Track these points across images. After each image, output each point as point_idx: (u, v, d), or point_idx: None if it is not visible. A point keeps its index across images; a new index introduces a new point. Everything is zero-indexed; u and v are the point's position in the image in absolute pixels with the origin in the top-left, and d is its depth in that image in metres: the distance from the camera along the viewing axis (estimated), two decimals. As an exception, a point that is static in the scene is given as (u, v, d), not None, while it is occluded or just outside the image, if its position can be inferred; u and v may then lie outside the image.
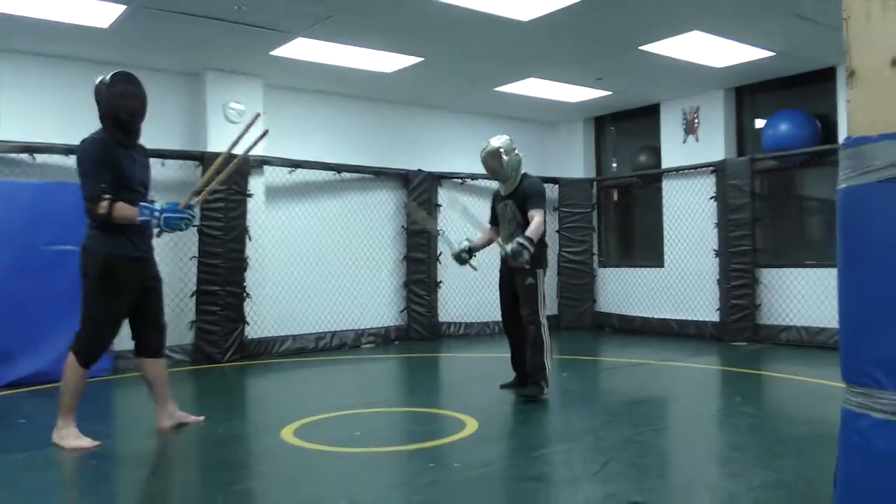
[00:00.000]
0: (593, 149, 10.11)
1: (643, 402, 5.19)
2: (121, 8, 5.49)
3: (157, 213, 3.85)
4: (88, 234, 3.91)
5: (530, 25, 6.00)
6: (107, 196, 3.77)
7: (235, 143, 4.24)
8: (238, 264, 7.18)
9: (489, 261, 9.31)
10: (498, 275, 5.38)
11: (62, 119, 6.54)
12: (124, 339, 6.79)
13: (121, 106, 3.88)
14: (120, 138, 3.93)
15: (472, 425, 4.25)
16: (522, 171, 5.20)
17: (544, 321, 5.06)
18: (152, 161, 6.92)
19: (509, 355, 5.39)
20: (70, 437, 3.90)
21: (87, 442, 3.89)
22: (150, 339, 4.19)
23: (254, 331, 7.44)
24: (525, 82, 7.98)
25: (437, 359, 7.45)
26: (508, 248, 4.86)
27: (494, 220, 5.40)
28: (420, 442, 3.97)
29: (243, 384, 6.33)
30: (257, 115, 4.55)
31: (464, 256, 5.28)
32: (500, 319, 5.44)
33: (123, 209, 3.81)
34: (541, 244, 5.06)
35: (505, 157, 5.09)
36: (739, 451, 3.73)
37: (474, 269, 5.38)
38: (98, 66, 6.76)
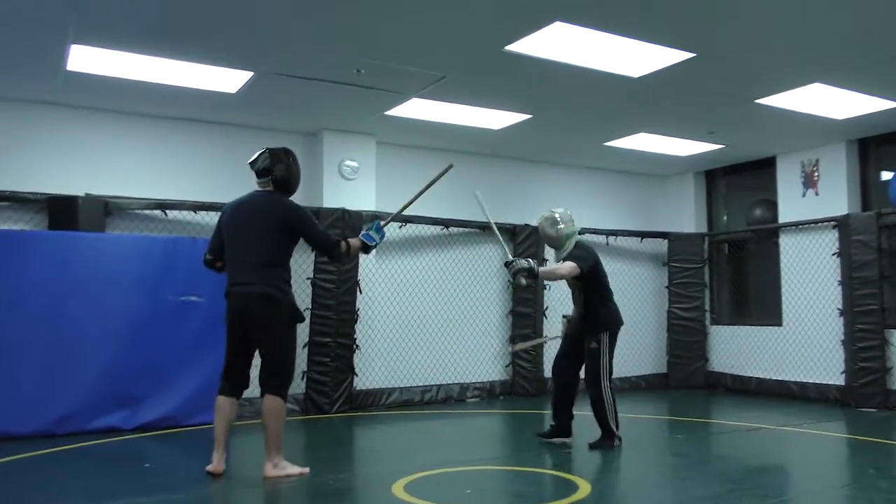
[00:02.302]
0: (704, 203, 9.85)
1: (765, 470, 4.91)
2: (248, 74, 5.89)
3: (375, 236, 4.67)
4: (277, 286, 4.33)
5: (640, 82, 5.98)
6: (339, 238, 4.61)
7: (429, 186, 5.00)
8: (349, 316, 7.38)
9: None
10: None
11: (191, 177, 7.02)
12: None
13: (298, 178, 4.63)
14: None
15: (584, 488, 4.14)
16: (576, 241, 5.36)
17: (605, 384, 5.23)
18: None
19: (552, 402, 5.58)
20: (289, 467, 4.42)
21: (299, 469, 4.45)
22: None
23: (362, 382, 7.59)
24: (635, 137, 7.93)
25: (543, 416, 7.32)
26: (511, 257, 5.17)
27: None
28: (532, 504, 3.90)
29: (352, 435, 6.43)
30: (450, 166, 5.11)
31: (522, 275, 5.01)
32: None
33: (356, 244, 4.63)
34: (607, 306, 5.32)
35: (561, 226, 5.30)
36: (879, 531, 3.46)
37: (523, 284, 5.14)
38: (225, 128, 7.30)
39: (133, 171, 6.82)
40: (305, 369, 7.24)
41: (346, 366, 7.33)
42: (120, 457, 4.91)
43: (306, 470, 4.47)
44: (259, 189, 4.55)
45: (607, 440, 5.30)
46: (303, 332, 7.30)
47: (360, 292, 7.52)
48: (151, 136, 6.99)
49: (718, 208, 9.82)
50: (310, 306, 7.24)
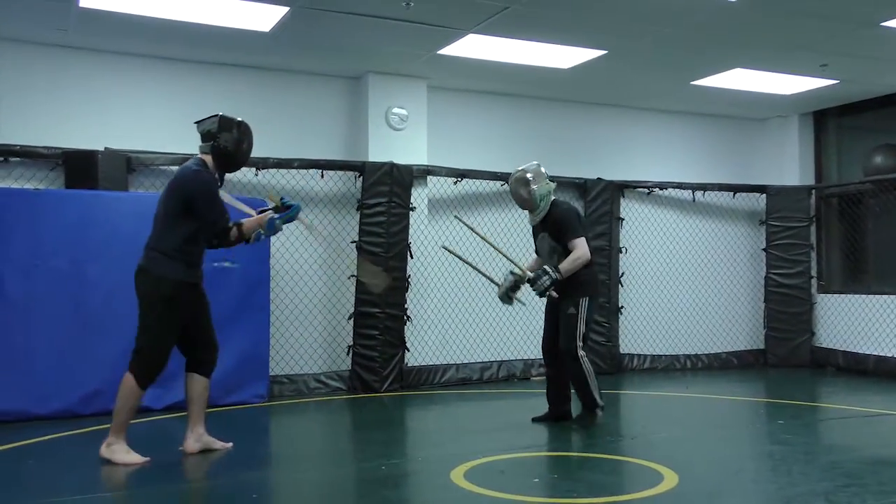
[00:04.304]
0: (812, 150, 9.51)
1: (888, 463, 4.71)
2: (283, 10, 5.84)
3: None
4: (152, 258, 4.48)
5: (740, 5, 5.73)
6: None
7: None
8: (399, 284, 7.37)
9: (676, 288, 9.03)
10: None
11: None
12: (279, 363, 7.19)
13: (243, 158, 4.65)
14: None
15: (670, 478, 4.06)
16: (552, 199, 5.49)
17: (582, 352, 5.36)
18: (311, 172, 7.37)
19: (546, 387, 5.73)
20: (120, 452, 4.40)
21: (137, 458, 4.38)
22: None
23: (414, 358, 7.60)
24: (728, 74, 7.67)
25: (619, 396, 7.24)
26: (530, 274, 5.35)
27: (538, 252, 5.74)
28: (611, 495, 3.84)
29: (404, 416, 6.47)
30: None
31: (510, 295, 5.53)
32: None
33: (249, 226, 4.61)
34: (587, 269, 5.41)
35: (533, 186, 5.40)
36: None
37: (523, 304, 5.70)
38: (258, 72, 7.30)
39: (157, 123, 6.89)
40: (351, 343, 7.29)
41: (396, 339, 7.35)
42: (152, 438, 5.02)
43: (145, 460, 4.39)
44: (197, 155, 4.62)
45: (592, 412, 5.46)
46: (347, 301, 7.34)
47: (411, 257, 7.49)
48: (176, 83, 7.03)
49: (829, 156, 9.46)
50: (355, 273, 7.26)
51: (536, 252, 5.77)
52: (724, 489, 4.05)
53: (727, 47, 6.89)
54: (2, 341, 5.76)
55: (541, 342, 5.72)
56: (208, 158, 4.55)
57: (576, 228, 5.38)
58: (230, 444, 4.80)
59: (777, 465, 4.51)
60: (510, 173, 8.08)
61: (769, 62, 7.35)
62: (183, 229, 4.42)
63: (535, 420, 5.69)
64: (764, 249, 9.28)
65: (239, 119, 4.60)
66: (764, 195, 9.32)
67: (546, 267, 5.30)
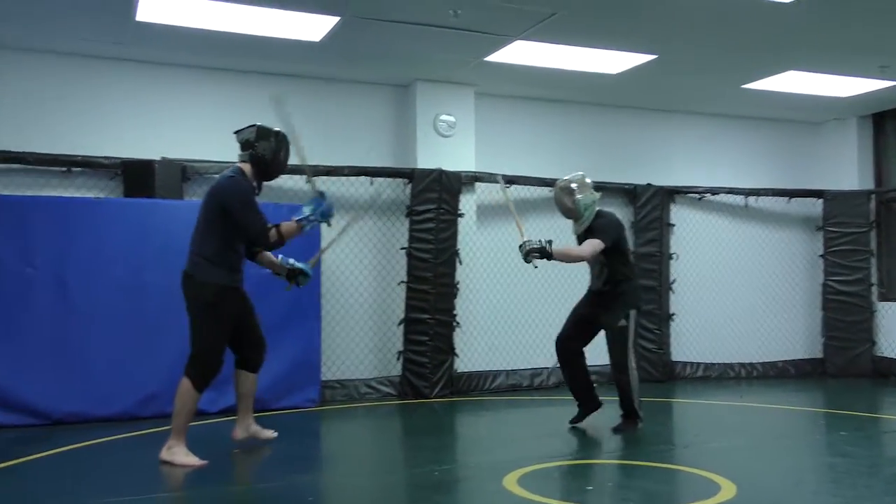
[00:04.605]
0: (871, 153, 9.29)
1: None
2: (334, 20, 5.92)
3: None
4: (197, 263, 4.63)
5: (795, 7, 5.64)
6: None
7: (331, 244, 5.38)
8: (448, 290, 7.40)
9: (729, 295, 8.88)
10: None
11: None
12: (331, 368, 7.22)
13: (280, 167, 4.78)
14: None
15: (728, 489, 3.99)
16: (596, 210, 5.48)
17: (632, 365, 5.43)
18: (361, 179, 7.45)
19: (569, 388, 5.81)
20: (180, 455, 4.52)
21: (195, 460, 4.50)
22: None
23: (463, 364, 7.61)
24: (782, 76, 7.54)
25: (671, 405, 7.16)
26: (526, 240, 5.27)
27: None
28: (666, 504, 3.81)
29: (455, 422, 6.48)
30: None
31: (534, 256, 5.28)
32: (559, 340, 5.77)
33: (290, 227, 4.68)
34: (632, 282, 5.53)
35: (578, 196, 5.40)
36: None
37: (535, 266, 5.47)
38: (309, 82, 7.41)
39: (210, 132, 7.00)
40: (402, 349, 7.34)
41: (445, 345, 7.37)
42: (208, 441, 5.11)
43: (203, 463, 4.49)
44: (236, 163, 4.75)
45: (632, 423, 5.56)
46: (398, 307, 7.38)
47: (460, 263, 7.51)
48: (229, 93, 7.17)
49: (889, 159, 9.22)
50: (405, 279, 7.30)
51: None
52: (784, 501, 3.97)
53: (781, 50, 6.77)
54: (65, 346, 5.93)
55: (560, 338, 5.74)
56: (247, 167, 4.69)
57: (605, 233, 5.37)
58: (275, 434, 5.05)
59: (840, 478, 4.41)
60: (558, 179, 8.14)
61: (825, 64, 7.20)
62: (222, 235, 4.56)
63: (572, 424, 5.72)
64: (821, 256, 9.09)
65: (276, 129, 4.73)
66: (821, 200, 9.12)
67: (542, 240, 5.28)
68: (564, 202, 5.47)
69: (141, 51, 6.64)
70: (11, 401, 5.80)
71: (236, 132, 4.78)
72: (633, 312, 5.49)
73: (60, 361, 5.91)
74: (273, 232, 4.57)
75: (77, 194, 6.49)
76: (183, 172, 6.72)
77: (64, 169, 6.47)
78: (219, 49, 6.60)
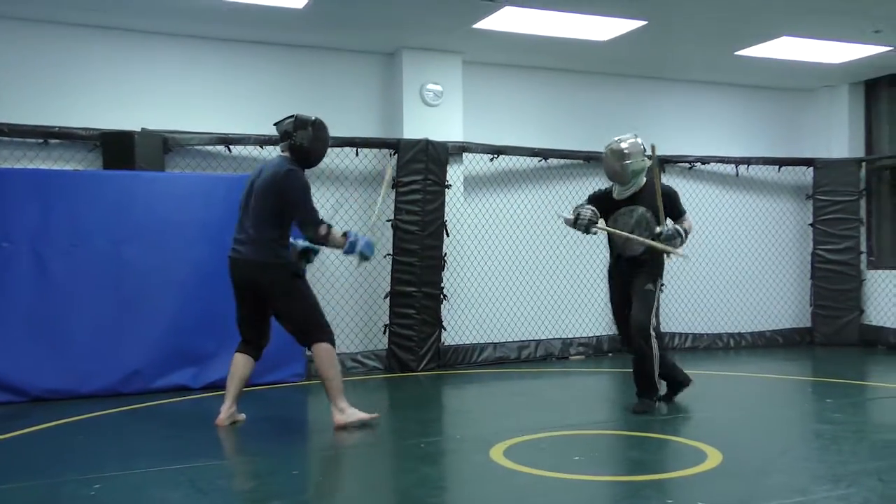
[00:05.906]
0: (862, 120, 9.28)
1: (942, 441, 4.63)
2: (316, -15, 5.85)
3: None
4: (268, 251, 4.73)
5: (786, -30, 5.61)
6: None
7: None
8: (435, 263, 7.38)
9: (718, 265, 8.91)
10: (608, 280, 5.55)
11: (256, 108, 7.07)
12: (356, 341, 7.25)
13: (320, 153, 4.92)
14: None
15: (714, 457, 4.04)
16: (644, 179, 5.34)
17: (654, 334, 5.21)
18: (346, 150, 7.42)
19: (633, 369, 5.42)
20: (354, 414, 4.78)
21: (367, 415, 4.83)
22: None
23: (451, 337, 7.63)
24: (774, 42, 7.50)
25: (661, 376, 7.18)
26: (659, 229, 5.13)
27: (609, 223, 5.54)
28: (652, 473, 3.85)
29: (441, 395, 6.50)
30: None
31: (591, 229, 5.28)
32: (617, 328, 5.62)
33: (338, 237, 4.77)
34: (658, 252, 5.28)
35: (628, 161, 5.21)
36: None
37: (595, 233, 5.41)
38: (292, 50, 7.32)
39: (192, 103, 6.96)
40: (388, 322, 7.34)
41: (432, 318, 7.38)
42: (190, 416, 5.13)
43: (376, 415, 4.88)
44: (280, 153, 4.91)
45: (650, 400, 5.28)
46: (383, 280, 7.38)
47: (447, 235, 7.50)
48: (210, 62, 7.09)
49: (881, 127, 9.22)
50: (390, 251, 7.28)
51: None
52: (770, 468, 4.00)
53: (773, 14, 6.73)
54: (45, 321, 5.89)
55: (616, 324, 5.57)
56: (287, 156, 4.81)
57: (671, 195, 5.37)
58: (244, 417, 5.00)
59: (826, 444, 4.46)
60: (547, 149, 8.12)
61: (818, 29, 7.16)
62: (283, 223, 4.74)
63: (665, 401, 5.51)
64: (811, 224, 9.12)
65: (314, 118, 4.86)
66: (811, 168, 9.14)
67: (676, 226, 5.25)
68: (613, 166, 5.25)
69: (121, 19, 6.54)
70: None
71: (275, 123, 4.91)
72: (659, 280, 5.34)
73: (38, 337, 5.86)
74: (324, 227, 4.69)
75: (55, 166, 6.42)
76: (164, 144, 6.65)
77: (41, 140, 6.40)
78: (200, 17, 6.51)
